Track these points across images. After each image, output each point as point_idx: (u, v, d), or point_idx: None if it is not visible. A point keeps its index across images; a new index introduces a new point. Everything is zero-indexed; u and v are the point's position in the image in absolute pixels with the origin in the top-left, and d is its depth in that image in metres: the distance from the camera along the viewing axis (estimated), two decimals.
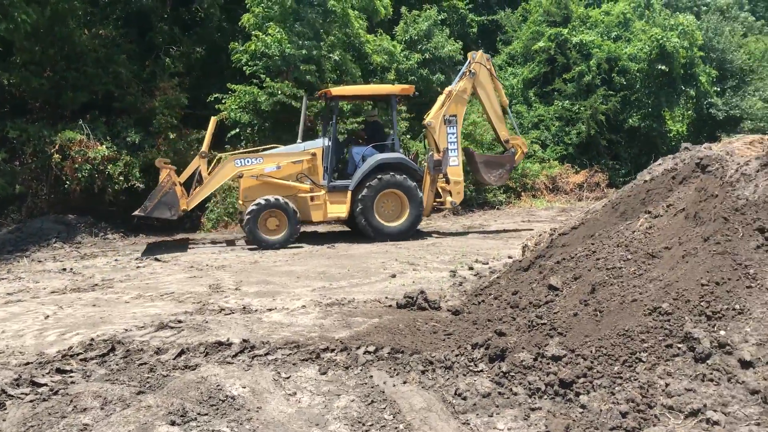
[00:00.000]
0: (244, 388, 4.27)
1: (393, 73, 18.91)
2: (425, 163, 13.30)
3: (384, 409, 3.98)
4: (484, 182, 14.87)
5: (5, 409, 4.11)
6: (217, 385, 4.27)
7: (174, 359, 4.95)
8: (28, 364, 5.01)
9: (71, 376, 4.66)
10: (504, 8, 26.22)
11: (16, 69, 14.65)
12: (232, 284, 8.54)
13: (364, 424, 3.80)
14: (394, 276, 8.79)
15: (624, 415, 3.58)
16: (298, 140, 13.49)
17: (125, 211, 15.21)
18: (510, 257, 9.18)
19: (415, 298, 6.48)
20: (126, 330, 6.10)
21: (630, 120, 22.51)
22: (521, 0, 26.18)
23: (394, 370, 4.55)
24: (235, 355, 4.99)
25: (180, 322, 6.30)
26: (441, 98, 13.77)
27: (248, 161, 12.57)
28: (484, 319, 5.44)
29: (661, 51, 21.60)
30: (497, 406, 3.88)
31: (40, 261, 11.26)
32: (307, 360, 4.85)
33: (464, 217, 17.41)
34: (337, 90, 13.40)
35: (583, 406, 3.74)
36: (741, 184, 4.81)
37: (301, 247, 12.19)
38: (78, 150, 13.91)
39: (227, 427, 3.77)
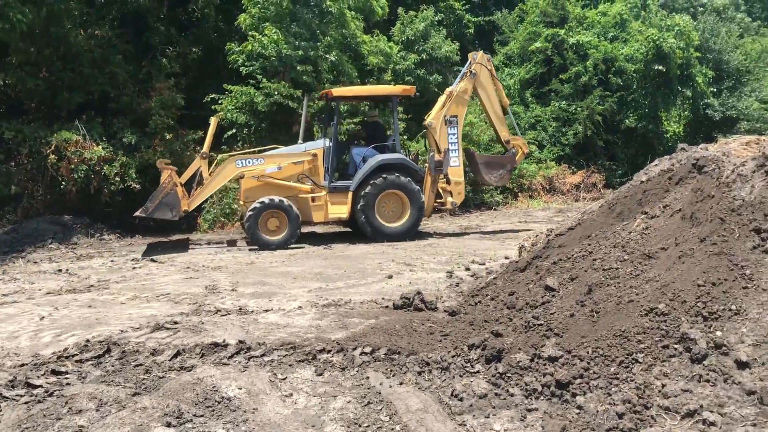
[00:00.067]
0: (240, 389, 4.26)
1: (390, 74, 18.91)
2: (426, 164, 13.31)
3: (380, 410, 3.97)
4: (484, 183, 14.89)
5: (0, 410, 4.09)
6: (213, 387, 4.26)
7: (170, 360, 4.93)
8: (23, 365, 4.98)
9: (66, 378, 4.64)
10: (501, 9, 26.27)
11: (12, 69, 14.62)
12: (229, 285, 8.52)
13: (360, 426, 3.79)
14: (390, 277, 8.78)
15: (620, 415, 3.57)
16: (299, 141, 13.50)
17: (121, 212, 15.21)
18: (507, 258, 9.18)
19: (411, 299, 6.47)
20: (122, 331, 6.08)
21: (627, 121, 22.55)
22: (518, 1, 26.22)
23: (391, 371, 4.54)
24: (231, 357, 4.98)
25: (176, 323, 6.28)
26: (442, 99, 13.78)
27: (249, 162, 12.58)
28: (481, 319, 5.44)
29: (657, 52, 21.64)
30: (494, 407, 3.87)
31: (35, 262, 11.23)
32: (303, 361, 4.84)
33: (461, 217, 17.42)
34: (338, 91, 13.42)
35: (579, 407, 3.73)
36: (737, 184, 4.81)
37: (302, 247, 12.19)
38: (74, 151, 13.88)
39: (223, 428, 3.75)
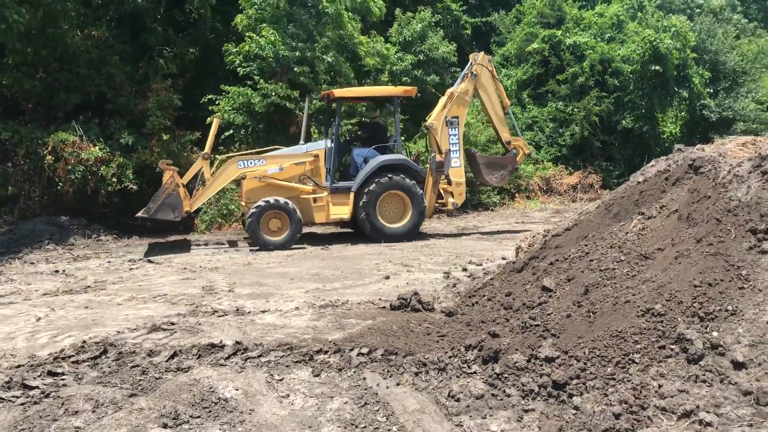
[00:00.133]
0: (237, 390, 4.26)
1: (387, 75, 18.91)
2: (428, 165, 13.33)
3: (377, 411, 3.97)
4: (485, 184, 14.91)
5: None
6: (210, 388, 4.26)
7: (166, 361, 4.92)
8: (19, 366, 4.97)
9: (63, 379, 4.63)
10: (498, 10, 26.28)
11: (9, 70, 14.60)
12: (226, 286, 8.51)
13: (357, 426, 3.79)
14: (387, 277, 8.78)
15: (617, 416, 3.57)
16: (301, 141, 13.51)
17: (118, 212, 15.18)
18: (504, 258, 9.18)
19: (408, 300, 6.47)
20: (118, 332, 6.07)
21: (623, 121, 22.58)
22: (515, 2, 26.24)
23: (388, 371, 4.54)
24: (228, 357, 4.97)
25: (173, 324, 6.27)
26: (443, 100, 13.80)
27: (251, 163, 12.59)
28: (478, 320, 5.44)
29: (654, 52, 21.67)
30: (490, 408, 3.88)
31: (32, 263, 11.20)
32: (300, 362, 4.83)
33: (458, 218, 17.42)
34: (339, 92, 13.45)
35: (576, 408, 3.73)
36: (733, 185, 4.82)
37: (303, 247, 12.21)
38: (71, 151, 13.86)
39: (220, 429, 3.75)
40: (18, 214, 14.23)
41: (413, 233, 12.99)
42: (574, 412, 3.71)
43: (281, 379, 4.51)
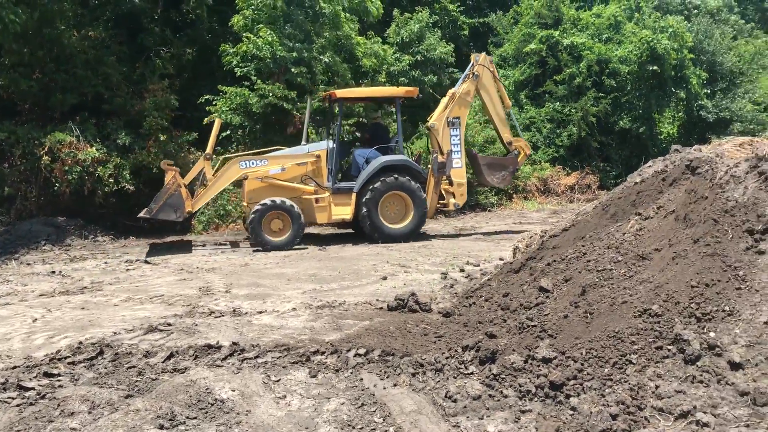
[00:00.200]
0: (234, 391, 4.25)
1: (384, 75, 18.91)
2: (429, 165, 13.33)
3: (374, 412, 3.96)
4: (487, 184, 14.93)
5: None
6: (207, 389, 4.25)
7: (163, 362, 4.91)
8: (15, 367, 4.95)
9: (59, 380, 4.62)
10: (495, 11, 26.29)
11: (5, 71, 14.56)
12: (222, 287, 8.50)
13: (354, 427, 3.78)
14: (385, 278, 8.78)
15: (614, 417, 3.57)
16: (303, 142, 13.52)
17: (115, 213, 15.16)
18: (501, 259, 9.18)
19: (406, 301, 6.47)
20: (115, 333, 6.05)
21: (621, 122, 22.60)
22: (512, 2, 26.26)
23: (385, 372, 4.54)
24: (225, 358, 4.96)
25: (169, 325, 6.26)
26: (444, 100, 13.81)
27: (253, 163, 12.60)
28: (475, 321, 5.44)
29: (651, 53, 21.69)
30: (487, 409, 3.87)
31: (28, 264, 11.18)
32: (297, 363, 4.82)
33: (456, 218, 17.42)
34: (341, 92, 13.47)
35: (573, 409, 3.73)
36: (730, 185, 4.82)
37: (305, 248, 12.20)
38: (67, 152, 13.83)
39: (216, 430, 3.74)
40: (14, 214, 14.20)
41: (415, 234, 13.00)
42: (571, 412, 3.71)
43: (278, 380, 4.50)
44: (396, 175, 12.63)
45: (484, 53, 14.53)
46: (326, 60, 16.75)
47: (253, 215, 11.93)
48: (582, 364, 4.01)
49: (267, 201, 12.03)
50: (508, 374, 4.14)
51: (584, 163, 22.09)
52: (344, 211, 12.80)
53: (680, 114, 25.57)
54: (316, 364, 4.76)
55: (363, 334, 5.48)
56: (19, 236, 13.00)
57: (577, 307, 4.68)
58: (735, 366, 3.67)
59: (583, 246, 5.70)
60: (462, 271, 9.00)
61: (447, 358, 4.58)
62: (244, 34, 16.43)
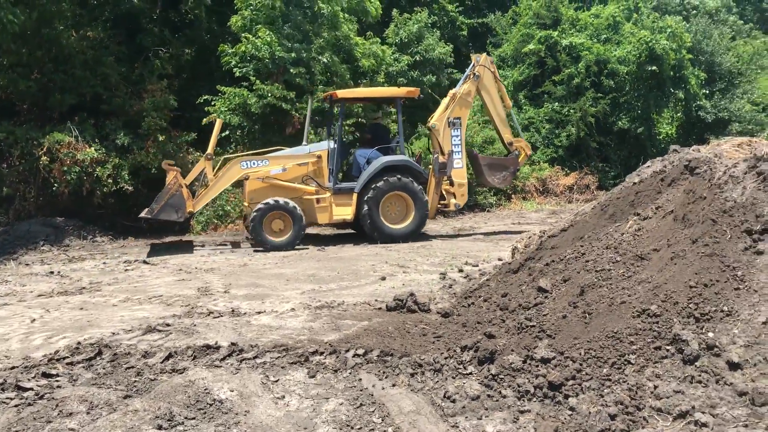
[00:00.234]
0: (232, 391, 4.24)
1: (382, 76, 18.91)
2: (431, 166, 13.35)
3: (373, 412, 3.96)
4: (488, 185, 14.95)
5: None
6: (205, 389, 4.24)
7: (161, 363, 4.91)
8: (13, 368, 4.95)
9: (57, 380, 4.62)
10: (494, 11, 26.30)
11: (3, 71, 14.55)
12: (221, 287, 8.50)
13: (352, 428, 3.78)
14: (383, 278, 8.78)
15: (613, 417, 3.57)
16: (303, 142, 13.54)
17: (114, 213, 15.15)
18: (500, 259, 9.18)
19: (404, 301, 6.46)
20: (113, 333, 6.05)
21: (619, 122, 22.59)
22: (511, 3, 26.26)
23: (383, 373, 4.54)
24: (224, 359, 4.96)
25: (168, 325, 6.26)
26: (445, 101, 13.83)
27: (254, 163, 12.61)
28: (474, 321, 5.44)
29: (650, 53, 21.70)
30: (486, 409, 3.87)
31: (27, 264, 11.18)
32: (295, 363, 4.82)
33: (454, 219, 17.42)
34: (342, 92, 13.48)
35: (571, 409, 3.73)
36: (729, 186, 4.83)
37: (307, 248, 12.20)
38: (66, 152, 13.81)
39: (215, 431, 3.74)
40: (13, 215, 14.19)
41: (416, 234, 13.02)
42: (570, 413, 3.71)
43: (276, 381, 4.50)
44: (397, 176, 12.65)
45: (485, 54, 14.54)
46: (325, 60, 16.75)
47: (254, 215, 11.94)
48: (580, 365, 4.01)
49: (268, 201, 12.04)
50: (506, 374, 4.14)
51: (583, 163, 22.09)
52: (345, 212, 12.81)
53: (679, 114, 25.57)
54: (315, 365, 4.76)
55: (362, 334, 5.48)
56: (18, 236, 12.99)
57: (575, 307, 4.68)
58: (733, 366, 3.68)
59: (581, 246, 5.70)
60: (461, 271, 9.01)
61: (446, 358, 4.58)
62: (243, 35, 16.42)
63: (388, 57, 19.45)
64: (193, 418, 3.88)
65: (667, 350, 3.91)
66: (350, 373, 4.57)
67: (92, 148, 14.10)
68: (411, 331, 5.48)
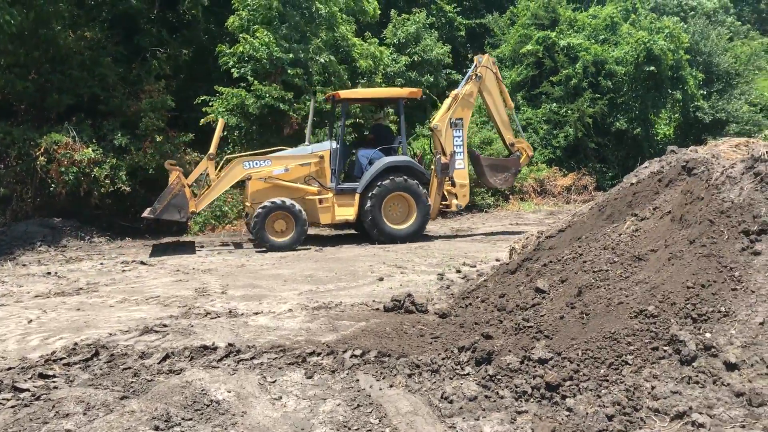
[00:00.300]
0: (229, 392, 4.24)
1: (380, 76, 18.92)
2: (433, 166, 13.36)
3: (370, 413, 3.95)
4: (489, 186, 14.98)
5: None
6: (202, 390, 4.24)
7: (158, 364, 4.90)
8: (10, 369, 4.93)
9: (54, 381, 4.60)
10: (492, 12, 26.31)
11: (1, 71, 14.51)
12: (219, 288, 8.49)
13: (350, 429, 3.77)
14: (381, 279, 8.78)
15: (610, 418, 3.57)
16: (306, 143, 13.55)
17: (111, 214, 15.13)
18: (497, 260, 9.19)
19: (402, 302, 6.46)
20: (110, 334, 6.04)
21: (617, 123, 22.60)
22: (509, 3, 26.28)
23: (381, 373, 4.53)
24: (221, 360, 4.95)
25: (165, 326, 6.25)
26: (447, 101, 13.84)
27: (257, 163, 12.63)
28: (471, 322, 5.43)
29: (648, 54, 21.71)
30: (483, 410, 3.87)
31: (24, 265, 11.16)
32: (293, 364, 4.81)
33: (452, 219, 17.42)
34: (345, 93, 13.52)
35: (569, 409, 3.73)
36: (726, 186, 4.83)
37: (309, 248, 12.20)
38: (63, 153, 13.78)
39: None
40: (10, 215, 14.17)
41: (418, 235, 13.04)
42: (567, 413, 3.71)
43: (274, 381, 4.49)
44: (399, 176, 12.66)
45: (486, 55, 14.58)
46: (322, 61, 16.74)
47: (257, 216, 11.94)
48: (578, 365, 4.01)
49: (271, 201, 12.05)
50: (504, 375, 4.14)
51: (581, 164, 22.10)
52: (347, 212, 12.83)
53: (676, 115, 25.58)
54: (312, 365, 4.75)
55: (359, 335, 5.47)
56: (15, 237, 12.96)
57: (573, 308, 4.68)
58: (731, 367, 3.68)
59: (579, 247, 5.70)
60: (458, 272, 9.01)
61: (443, 359, 4.58)
62: (241, 35, 16.41)
63: (385, 57, 19.46)
64: (190, 419, 3.87)
65: (665, 351, 3.91)
66: (347, 374, 4.57)
67: (90, 149, 14.08)
68: (408, 332, 5.48)
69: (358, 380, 4.45)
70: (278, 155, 12.98)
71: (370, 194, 12.53)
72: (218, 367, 4.79)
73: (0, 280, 9.63)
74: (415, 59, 20.59)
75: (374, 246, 12.36)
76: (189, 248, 12.78)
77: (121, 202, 14.99)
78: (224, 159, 13.22)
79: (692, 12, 33.08)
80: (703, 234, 4.56)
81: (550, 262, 5.76)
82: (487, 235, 13.96)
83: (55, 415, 3.94)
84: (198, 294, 8.10)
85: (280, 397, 4.23)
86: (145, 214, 12.19)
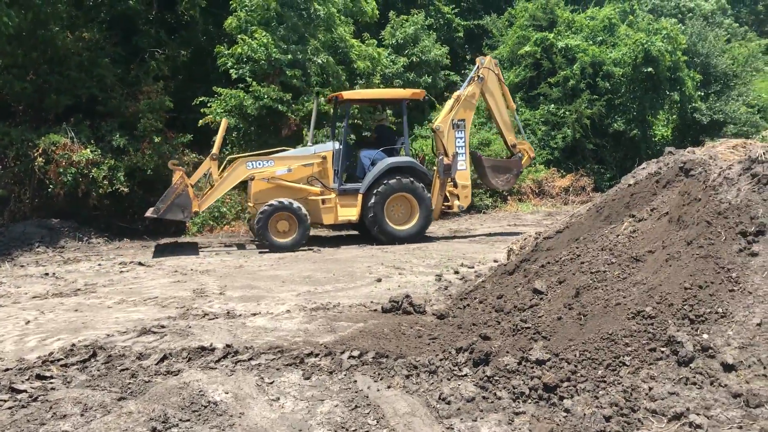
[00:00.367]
0: (227, 393, 4.23)
1: (378, 77, 18.93)
2: (435, 167, 13.37)
3: (368, 414, 3.95)
4: (491, 187, 15.02)
5: None
6: (200, 391, 4.23)
7: (156, 365, 4.90)
8: (7, 370, 4.93)
9: (51, 382, 4.60)
10: (490, 13, 26.34)
11: None
12: (217, 289, 8.48)
13: (347, 430, 3.77)
14: (379, 280, 8.77)
15: (608, 419, 3.58)
16: (309, 143, 13.56)
17: (109, 215, 15.12)
18: (495, 261, 9.18)
19: (400, 303, 6.46)
20: (108, 335, 6.03)
21: (615, 124, 22.62)
22: (507, 5, 26.31)
23: (379, 374, 4.53)
24: (218, 361, 4.95)
25: (163, 327, 6.24)
26: (449, 103, 13.88)
27: (259, 164, 12.65)
28: (469, 323, 5.43)
29: (645, 55, 21.74)
30: (481, 411, 3.87)
31: (22, 266, 11.14)
32: (290, 365, 4.81)
33: (450, 220, 17.42)
34: (347, 94, 13.54)
35: (566, 411, 3.73)
36: (724, 188, 4.83)
37: (311, 249, 12.21)
38: (62, 153, 13.76)
39: None
40: (8, 216, 14.15)
41: (420, 235, 13.06)
42: (565, 414, 3.71)
43: (271, 383, 4.48)
44: (402, 177, 12.69)
45: (489, 56, 14.61)
46: (320, 62, 16.74)
47: (260, 216, 11.95)
48: (575, 366, 4.01)
49: (274, 202, 12.06)
50: (501, 376, 4.14)
51: (578, 165, 22.11)
52: (350, 213, 12.85)
53: (674, 116, 25.61)
54: (310, 366, 4.75)
55: (357, 336, 5.47)
56: (13, 238, 12.95)
57: (570, 309, 4.69)
58: (728, 368, 3.68)
59: (577, 248, 5.71)
60: (456, 273, 9.01)
61: (441, 360, 4.58)
62: (239, 36, 16.41)
63: (383, 59, 19.47)
64: (188, 420, 3.87)
65: (662, 352, 3.92)
66: (345, 375, 4.57)
67: (88, 150, 14.06)
68: (406, 333, 5.48)
69: (355, 381, 4.45)
70: (281, 155, 13.00)
71: (375, 191, 12.57)
72: (216, 368, 4.79)
73: None
74: (414, 60, 20.62)
75: (372, 247, 12.36)
76: (192, 249, 12.77)
77: (119, 203, 14.98)
78: (227, 159, 13.23)
79: (690, 13, 33.09)
80: (700, 235, 4.57)
81: (548, 263, 5.77)
82: (484, 236, 13.97)
83: (52, 416, 3.94)
84: (196, 295, 8.09)
85: (278, 398, 4.23)
86: (149, 213, 12.19)
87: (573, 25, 23.67)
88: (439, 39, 22.68)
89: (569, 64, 22.20)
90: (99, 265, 10.99)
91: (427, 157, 15.59)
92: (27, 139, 13.96)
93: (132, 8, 16.25)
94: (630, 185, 6.39)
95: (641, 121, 23.13)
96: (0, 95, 14.94)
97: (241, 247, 13.06)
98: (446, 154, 13.28)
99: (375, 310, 6.70)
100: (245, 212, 15.52)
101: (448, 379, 4.31)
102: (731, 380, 3.62)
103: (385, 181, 12.60)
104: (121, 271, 10.22)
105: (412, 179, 12.77)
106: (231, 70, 16.38)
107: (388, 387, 4.31)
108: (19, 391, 4.38)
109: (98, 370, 4.84)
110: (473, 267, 9.39)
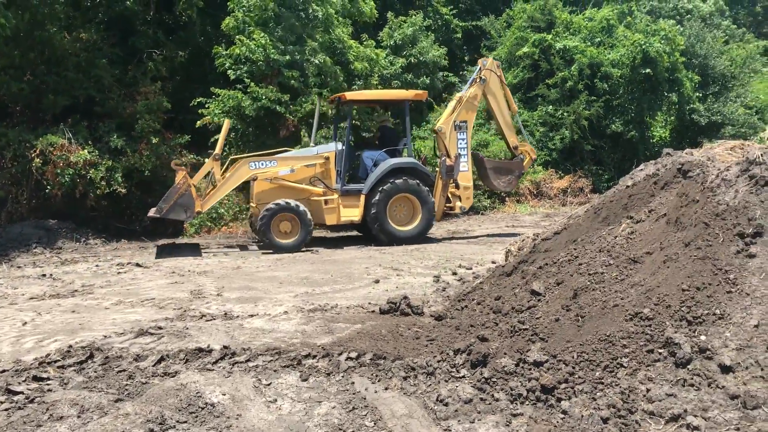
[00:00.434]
0: (224, 395, 4.23)
1: (376, 78, 18.93)
2: (437, 168, 13.39)
3: (365, 415, 3.95)
4: (493, 188, 15.05)
5: None
6: (197, 392, 4.23)
7: (153, 366, 4.89)
8: (4, 371, 4.92)
9: (48, 384, 4.59)
10: (488, 14, 26.36)
11: None
12: (214, 290, 8.47)
13: (345, 431, 3.77)
14: (377, 281, 8.77)
15: (605, 420, 3.57)
16: (311, 144, 13.56)
17: (107, 216, 15.09)
18: (493, 262, 9.18)
19: (398, 304, 6.46)
20: (105, 336, 6.02)
21: (613, 125, 22.63)
22: (505, 6, 26.32)
23: (376, 376, 4.52)
24: (216, 362, 4.94)
25: (160, 328, 6.23)
26: (451, 104, 13.91)
27: (262, 164, 12.65)
28: (467, 324, 5.43)
29: (644, 56, 21.76)
30: (479, 412, 3.86)
31: (19, 266, 11.12)
32: (288, 366, 4.80)
33: (448, 222, 17.42)
34: (350, 95, 13.55)
35: (564, 412, 3.73)
36: (722, 189, 4.84)
37: (311, 250, 12.22)
38: (59, 154, 13.74)
39: None
40: (5, 217, 14.11)
41: (423, 236, 13.07)
42: (563, 416, 3.71)
43: (269, 384, 4.48)
44: (405, 178, 12.71)
45: (491, 58, 14.63)
46: (318, 62, 16.74)
47: (262, 217, 11.94)
48: (573, 368, 4.01)
49: (277, 203, 12.05)
50: (499, 378, 4.14)
51: (577, 166, 22.12)
52: (353, 213, 12.87)
53: (672, 118, 25.63)
54: (308, 368, 4.74)
55: (355, 337, 5.47)
56: (10, 239, 12.93)
57: (568, 310, 4.69)
58: (725, 369, 3.68)
59: (575, 249, 5.71)
60: (454, 274, 9.01)
61: (438, 361, 4.58)
62: (237, 37, 16.40)
63: (381, 60, 19.47)
64: (185, 422, 3.86)
65: (660, 353, 3.91)
66: (343, 377, 4.56)
67: (85, 151, 14.04)
68: (404, 335, 5.48)
69: (353, 383, 4.44)
70: (284, 156, 13.00)
71: (375, 196, 12.59)
72: (213, 369, 4.78)
73: None
74: (412, 61, 20.62)
75: (370, 248, 12.36)
76: (194, 250, 12.75)
77: (116, 204, 14.96)
78: (229, 159, 13.22)
79: (688, 15, 33.11)
80: (698, 237, 4.57)
81: (546, 264, 5.76)
82: (483, 237, 13.97)
83: (49, 417, 3.93)
84: (193, 296, 8.08)
85: (275, 400, 4.22)
86: (151, 213, 12.18)
87: (571, 26, 23.68)
88: (437, 40, 22.70)
89: (567, 65, 22.22)
90: (96, 266, 10.97)
91: (428, 159, 15.59)
92: (24, 140, 13.94)
93: (129, 9, 16.24)
94: (628, 186, 6.39)
95: (639, 123, 23.14)
96: None
97: (243, 248, 13.05)
98: (448, 156, 13.30)
99: (373, 312, 6.69)
100: (246, 213, 15.51)
101: (446, 381, 4.31)
102: (729, 382, 3.62)
103: (387, 182, 12.62)
104: (119, 272, 10.20)
105: (418, 181, 12.80)
106: (229, 71, 16.36)
107: (386, 388, 4.31)
108: (16, 393, 4.37)
109: (95, 372, 4.83)
110: (471, 268, 9.39)
